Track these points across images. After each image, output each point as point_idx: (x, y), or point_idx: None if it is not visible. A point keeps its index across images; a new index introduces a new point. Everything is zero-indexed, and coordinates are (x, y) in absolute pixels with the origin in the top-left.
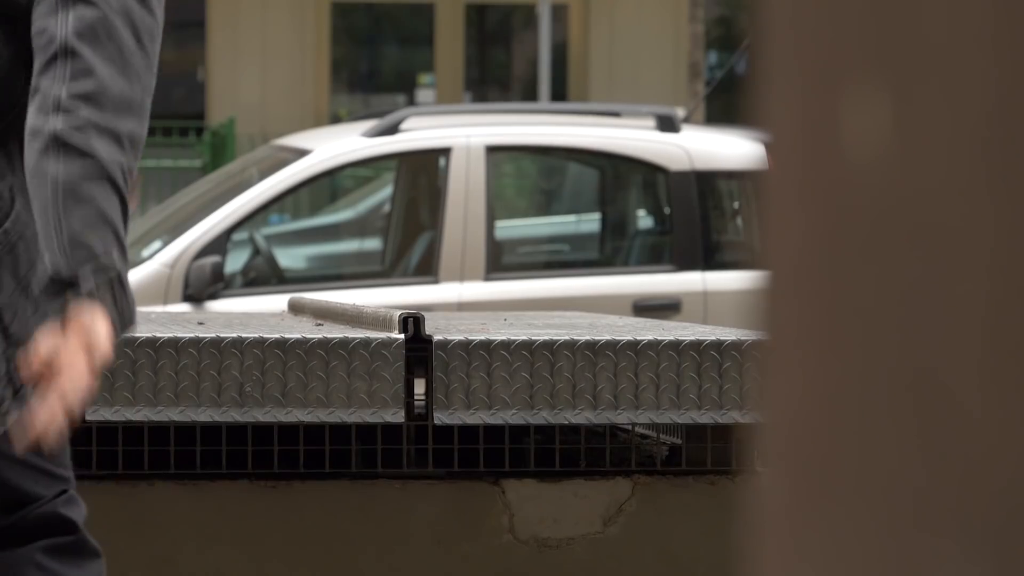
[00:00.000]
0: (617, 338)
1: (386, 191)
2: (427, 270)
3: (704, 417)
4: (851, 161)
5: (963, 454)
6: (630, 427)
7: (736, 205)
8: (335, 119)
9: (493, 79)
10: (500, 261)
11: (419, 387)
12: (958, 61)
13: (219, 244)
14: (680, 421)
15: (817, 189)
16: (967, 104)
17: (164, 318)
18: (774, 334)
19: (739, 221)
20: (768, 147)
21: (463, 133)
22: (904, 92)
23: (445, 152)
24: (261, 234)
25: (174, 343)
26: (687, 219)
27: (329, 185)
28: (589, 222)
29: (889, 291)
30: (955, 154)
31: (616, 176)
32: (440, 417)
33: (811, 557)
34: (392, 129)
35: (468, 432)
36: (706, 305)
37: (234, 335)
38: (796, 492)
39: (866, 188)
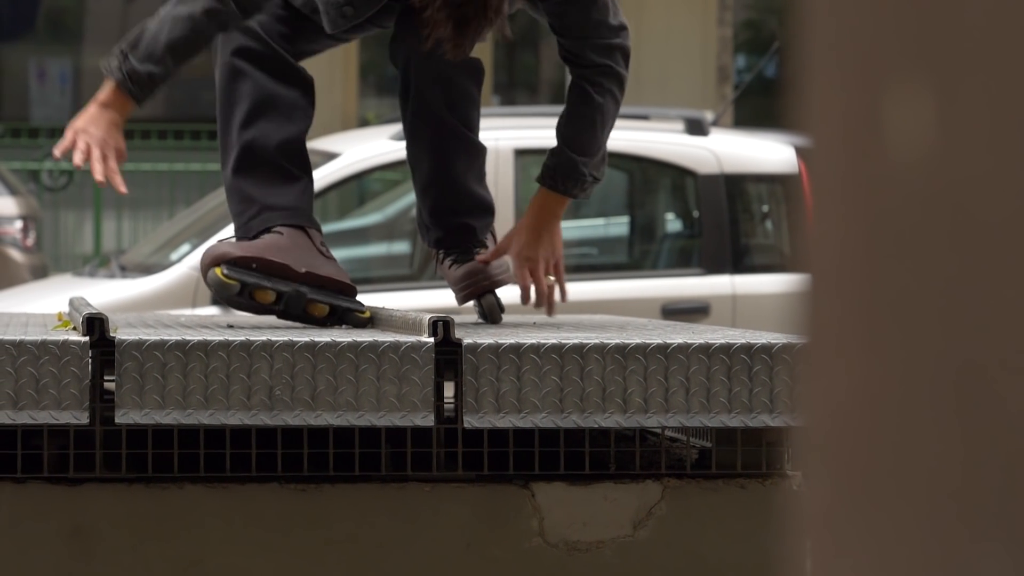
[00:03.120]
0: (647, 341)
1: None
2: None
3: (734, 421)
4: (894, 160)
5: (1007, 453)
6: (660, 430)
7: (765, 208)
8: (363, 122)
9: (521, 82)
10: None
11: (448, 390)
12: (1001, 58)
13: None
14: (710, 425)
15: (859, 188)
16: (1011, 101)
17: (193, 321)
18: (815, 335)
19: (768, 224)
20: (808, 146)
21: (492, 136)
22: (947, 90)
23: None
24: None
25: (203, 346)
26: (716, 222)
27: (357, 188)
28: (618, 225)
29: (931, 289)
30: (999, 151)
31: (645, 179)
32: (470, 421)
33: (852, 558)
34: None
35: (497, 435)
36: (735, 308)
37: (263, 338)
38: (838, 493)
39: (909, 187)
